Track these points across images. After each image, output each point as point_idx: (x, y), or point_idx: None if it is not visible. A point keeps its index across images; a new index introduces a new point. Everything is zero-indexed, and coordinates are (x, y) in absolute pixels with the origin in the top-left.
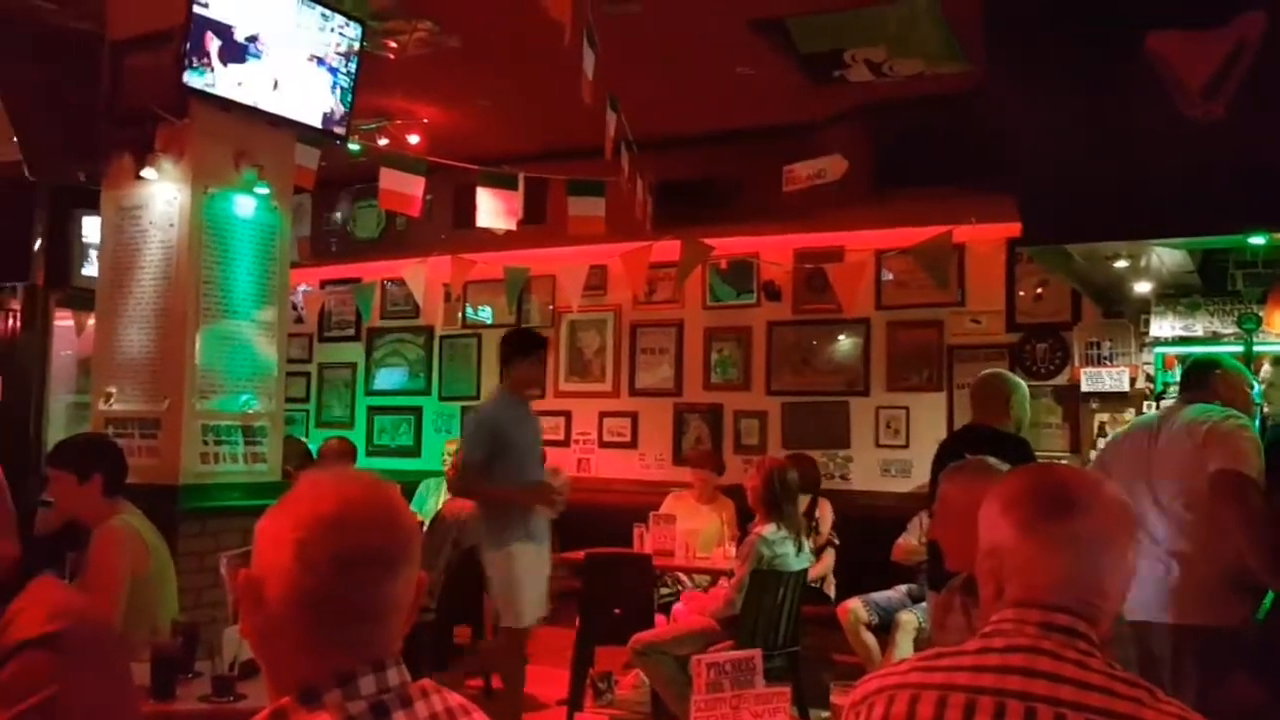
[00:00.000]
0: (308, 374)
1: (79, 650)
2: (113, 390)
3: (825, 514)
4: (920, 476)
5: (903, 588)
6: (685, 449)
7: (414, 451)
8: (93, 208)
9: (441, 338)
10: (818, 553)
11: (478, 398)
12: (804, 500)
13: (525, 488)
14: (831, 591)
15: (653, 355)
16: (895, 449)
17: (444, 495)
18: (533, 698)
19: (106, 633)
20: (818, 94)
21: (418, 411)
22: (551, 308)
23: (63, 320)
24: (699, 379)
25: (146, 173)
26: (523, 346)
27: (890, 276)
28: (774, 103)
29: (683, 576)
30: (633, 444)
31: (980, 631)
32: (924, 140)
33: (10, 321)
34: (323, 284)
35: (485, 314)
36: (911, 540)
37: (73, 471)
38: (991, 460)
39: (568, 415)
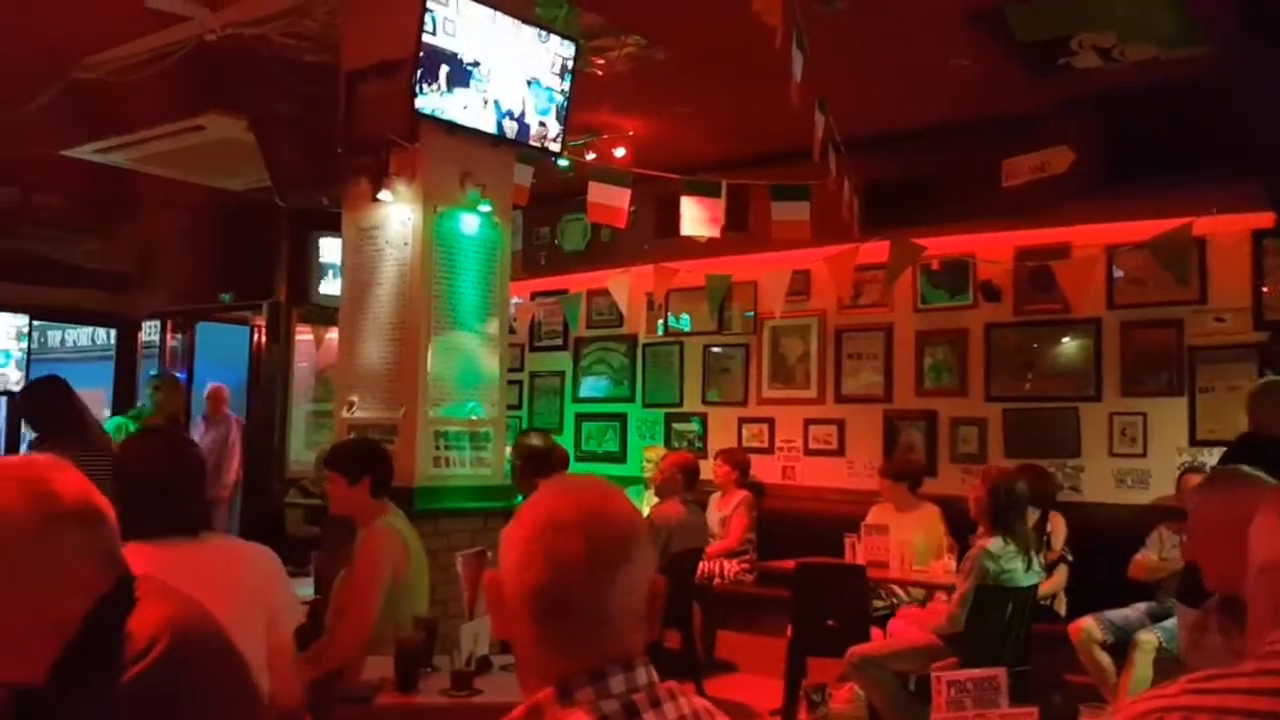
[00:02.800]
0: (520, 382)
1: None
2: (354, 399)
3: (1059, 528)
4: (1160, 487)
5: (1141, 606)
6: (895, 457)
7: (620, 457)
8: (328, 229)
9: (644, 346)
10: (1050, 569)
11: (680, 405)
12: (1034, 514)
13: None
14: (1062, 609)
15: (860, 360)
16: (1131, 458)
17: (650, 500)
18: (746, 707)
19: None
20: (1039, 84)
21: (622, 418)
22: (753, 314)
23: (302, 335)
24: (910, 384)
25: (382, 195)
26: None
27: (1122, 273)
28: (990, 95)
29: (897, 589)
30: (839, 451)
31: (1257, 653)
32: (1158, 127)
33: (257, 336)
34: (533, 296)
35: (685, 322)
36: (1151, 556)
37: (344, 474)
38: (1246, 469)
39: (771, 422)
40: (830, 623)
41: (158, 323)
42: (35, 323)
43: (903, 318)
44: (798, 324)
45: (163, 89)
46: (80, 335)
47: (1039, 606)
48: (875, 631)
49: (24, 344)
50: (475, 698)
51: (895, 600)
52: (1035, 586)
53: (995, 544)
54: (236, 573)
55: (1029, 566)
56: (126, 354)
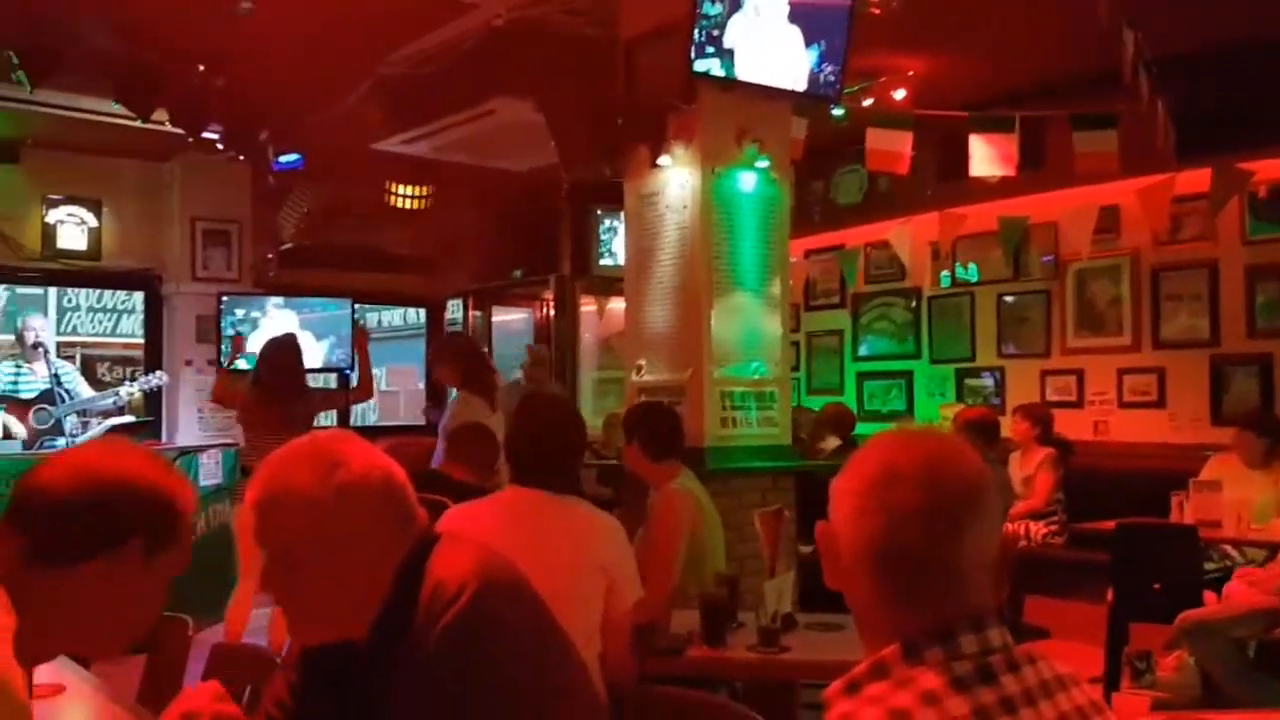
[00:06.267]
0: (796, 343)
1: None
2: (642, 363)
3: None
4: None
5: None
6: (1226, 407)
7: (906, 416)
8: (606, 203)
9: (930, 298)
10: None
11: (973, 359)
12: None
13: None
14: None
15: (1179, 302)
16: None
17: None
18: None
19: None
20: None
21: (908, 376)
22: (1053, 257)
23: (586, 305)
24: (1240, 326)
25: (661, 160)
26: None
27: None
28: None
29: (1230, 550)
30: (1159, 403)
31: None
32: None
33: (544, 309)
34: (806, 254)
35: (974, 271)
36: None
37: (626, 434)
38: None
39: (1079, 374)
40: (1156, 587)
41: (460, 301)
42: (356, 306)
43: (1229, 252)
44: (1106, 265)
45: (457, 77)
46: (393, 315)
47: None
48: (1209, 595)
49: (347, 327)
50: (783, 654)
51: (1229, 562)
52: None
53: None
54: (584, 537)
55: None
56: (436, 331)
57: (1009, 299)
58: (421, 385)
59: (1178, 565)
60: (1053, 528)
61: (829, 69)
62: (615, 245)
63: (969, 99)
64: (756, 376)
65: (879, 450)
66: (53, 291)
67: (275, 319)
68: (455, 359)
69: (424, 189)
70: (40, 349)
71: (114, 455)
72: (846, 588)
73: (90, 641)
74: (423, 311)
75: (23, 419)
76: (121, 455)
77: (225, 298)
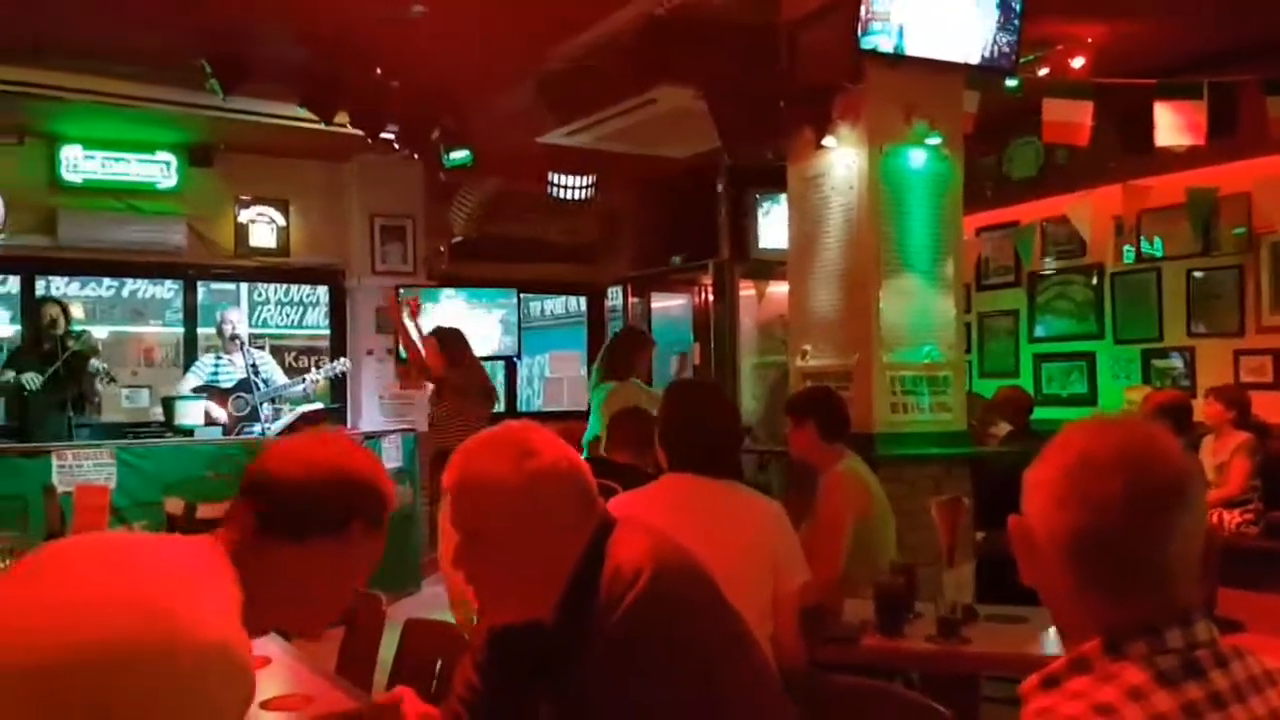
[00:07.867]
0: (967, 324)
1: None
2: (807, 347)
3: None
4: None
5: None
6: None
7: (1089, 400)
8: (765, 186)
9: (1113, 275)
10: None
11: (1160, 339)
12: None
13: None
14: None
15: None
16: None
17: None
18: None
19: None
20: None
21: (1090, 357)
22: (1245, 230)
23: (745, 290)
24: None
25: (826, 141)
26: None
27: None
28: None
29: None
30: None
31: None
32: None
33: (703, 295)
34: (977, 231)
35: (1159, 246)
36: None
37: (793, 418)
38: None
39: (1276, 354)
40: None
41: (619, 289)
42: (521, 295)
43: None
44: None
45: (620, 68)
46: (556, 304)
47: None
48: None
49: (514, 317)
50: (964, 646)
51: None
52: None
53: None
54: (747, 520)
55: None
56: (597, 319)
57: (1199, 274)
58: (584, 372)
59: None
60: (1248, 516)
61: (1004, 39)
62: (774, 228)
63: (1153, 65)
64: (928, 360)
65: (1074, 438)
66: (244, 287)
67: (447, 309)
68: None
69: (585, 180)
70: (237, 340)
71: (340, 446)
72: (1043, 583)
73: (299, 616)
74: (584, 299)
75: (223, 406)
76: (347, 447)
77: (402, 290)
